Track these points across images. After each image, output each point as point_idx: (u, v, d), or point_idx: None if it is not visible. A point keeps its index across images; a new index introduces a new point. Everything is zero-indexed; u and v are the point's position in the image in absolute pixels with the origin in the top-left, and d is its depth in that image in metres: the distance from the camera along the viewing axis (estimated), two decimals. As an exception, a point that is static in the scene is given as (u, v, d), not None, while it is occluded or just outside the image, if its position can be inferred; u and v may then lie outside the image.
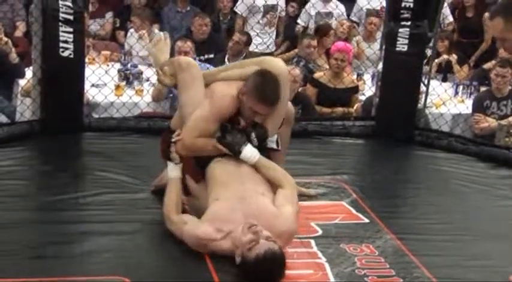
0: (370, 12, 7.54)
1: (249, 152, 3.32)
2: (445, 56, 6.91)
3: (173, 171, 3.36)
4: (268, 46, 7.35)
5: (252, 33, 6.94)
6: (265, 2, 7.17)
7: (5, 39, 5.71)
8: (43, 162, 4.35)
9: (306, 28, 7.61)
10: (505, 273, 3.25)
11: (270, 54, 7.28)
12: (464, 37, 7.82)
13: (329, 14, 7.53)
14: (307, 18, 7.59)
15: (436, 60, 6.46)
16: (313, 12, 7.54)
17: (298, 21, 7.71)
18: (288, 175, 3.40)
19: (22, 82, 5.64)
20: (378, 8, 7.48)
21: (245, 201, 3.15)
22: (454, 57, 6.95)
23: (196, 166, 3.43)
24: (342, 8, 7.60)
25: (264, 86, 3.30)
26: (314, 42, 6.64)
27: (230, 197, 3.19)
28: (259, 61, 3.56)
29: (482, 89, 6.33)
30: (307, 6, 7.65)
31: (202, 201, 3.31)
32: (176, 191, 3.32)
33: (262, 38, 7.12)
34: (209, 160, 3.37)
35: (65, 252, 3.19)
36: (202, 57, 6.21)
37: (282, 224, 3.14)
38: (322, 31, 7.03)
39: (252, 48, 7.06)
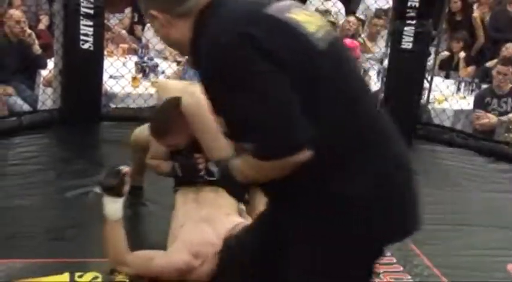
0: (379, 12, 7.49)
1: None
2: (446, 52, 6.92)
3: (117, 211, 2.80)
4: None
5: None
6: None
7: (29, 31, 5.73)
8: (62, 149, 4.36)
9: None
10: (502, 262, 3.25)
11: None
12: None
13: (327, 11, 7.48)
14: None
15: (441, 54, 6.49)
16: (312, 9, 7.50)
17: None
18: None
19: (44, 72, 5.66)
20: (385, 7, 7.45)
21: (212, 223, 2.85)
22: (462, 54, 6.95)
23: None
24: (339, 5, 7.56)
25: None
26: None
27: (196, 221, 2.89)
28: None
29: (484, 86, 6.30)
30: (307, 3, 7.59)
31: None
32: (120, 232, 2.81)
33: None
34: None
35: (82, 235, 3.21)
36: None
37: None
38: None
39: None
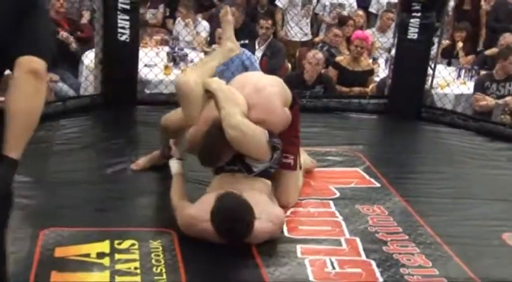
0: (390, 6, 7.41)
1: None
2: (448, 41, 6.85)
3: (176, 167, 3.17)
4: (305, 34, 7.29)
5: (291, 24, 6.99)
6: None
7: (65, 34, 5.80)
8: (103, 130, 4.38)
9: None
10: (498, 232, 3.23)
11: (307, 42, 7.21)
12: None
13: (341, 5, 7.42)
14: (321, 8, 7.50)
15: (443, 42, 6.44)
16: (327, 3, 7.44)
17: (315, 11, 7.60)
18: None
19: (86, 62, 5.68)
20: (393, 1, 7.37)
21: (243, 194, 2.85)
22: (460, 44, 6.86)
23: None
24: None
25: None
26: (339, 32, 6.59)
27: (226, 188, 2.90)
28: (219, 103, 2.96)
29: (482, 72, 6.23)
30: None
31: None
32: (180, 184, 3.10)
33: (301, 28, 7.10)
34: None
35: (121, 206, 3.23)
36: (238, 43, 6.17)
37: (276, 209, 2.95)
38: (342, 21, 6.96)
39: (290, 36, 7.08)
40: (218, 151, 2.94)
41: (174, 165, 3.22)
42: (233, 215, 2.69)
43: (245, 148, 2.94)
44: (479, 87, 5.70)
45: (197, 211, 2.85)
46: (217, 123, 2.93)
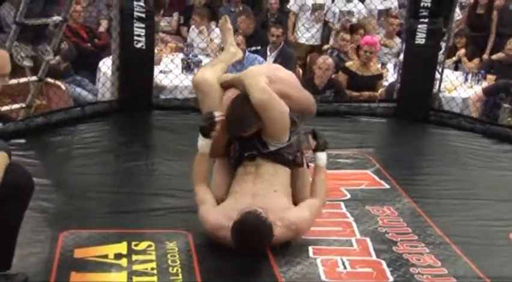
0: (382, 13, 7.38)
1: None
2: (461, 52, 6.82)
3: (204, 147, 2.98)
4: (316, 39, 7.27)
5: (301, 28, 6.97)
6: (315, 1, 7.12)
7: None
8: (119, 134, 4.40)
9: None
10: (505, 231, 3.21)
11: (318, 46, 7.18)
12: (474, 31, 7.58)
13: (350, 12, 7.39)
14: (331, 16, 7.47)
15: (454, 58, 6.46)
16: (336, 11, 7.42)
17: (326, 18, 7.56)
18: (325, 192, 3.08)
19: (104, 69, 5.70)
20: (390, 7, 7.33)
21: (256, 197, 2.87)
22: (462, 52, 6.83)
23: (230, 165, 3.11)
24: (360, 6, 7.46)
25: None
26: (347, 36, 6.56)
27: (245, 192, 2.90)
28: (241, 80, 2.97)
29: (489, 76, 6.19)
30: (332, 5, 7.51)
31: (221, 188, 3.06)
32: (203, 164, 3.01)
33: (311, 32, 7.09)
34: (241, 161, 3.02)
35: (137, 209, 3.23)
36: (250, 49, 6.18)
37: (292, 215, 2.86)
38: (353, 29, 6.93)
39: (302, 40, 7.09)
40: (245, 115, 2.89)
41: (205, 144, 2.97)
42: (253, 237, 2.70)
43: (271, 114, 2.89)
44: (494, 93, 5.63)
45: (218, 218, 2.83)
46: (241, 94, 2.94)
